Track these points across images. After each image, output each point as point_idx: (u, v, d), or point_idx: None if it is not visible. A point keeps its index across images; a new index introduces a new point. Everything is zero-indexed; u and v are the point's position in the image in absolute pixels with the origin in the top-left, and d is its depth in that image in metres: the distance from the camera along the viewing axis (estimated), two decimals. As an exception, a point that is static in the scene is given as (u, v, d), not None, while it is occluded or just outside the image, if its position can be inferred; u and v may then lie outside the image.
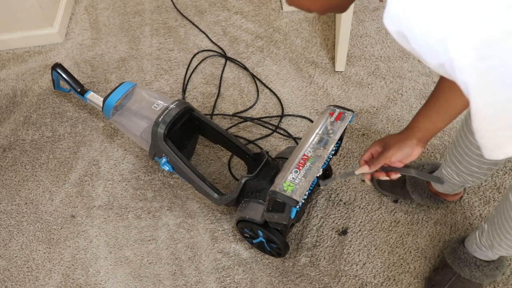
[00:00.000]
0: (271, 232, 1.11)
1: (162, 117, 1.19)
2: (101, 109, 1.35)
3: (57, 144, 1.56)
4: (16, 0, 1.68)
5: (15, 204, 1.44)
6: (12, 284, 1.29)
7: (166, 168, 1.21)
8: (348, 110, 1.09)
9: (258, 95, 1.58)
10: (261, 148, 1.44)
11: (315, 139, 1.05)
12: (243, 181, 1.13)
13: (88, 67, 1.75)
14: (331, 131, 1.06)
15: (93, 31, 1.87)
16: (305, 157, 1.03)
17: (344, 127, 1.06)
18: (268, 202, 1.00)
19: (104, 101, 1.31)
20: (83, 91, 1.45)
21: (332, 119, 1.08)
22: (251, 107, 1.55)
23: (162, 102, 1.26)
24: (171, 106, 1.21)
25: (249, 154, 1.28)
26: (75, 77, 1.49)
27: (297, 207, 0.96)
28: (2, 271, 1.32)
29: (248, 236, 1.22)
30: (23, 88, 1.72)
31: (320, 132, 1.06)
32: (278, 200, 0.96)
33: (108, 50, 1.79)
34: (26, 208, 1.43)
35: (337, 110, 1.09)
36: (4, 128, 1.62)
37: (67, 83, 1.47)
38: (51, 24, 1.79)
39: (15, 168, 1.52)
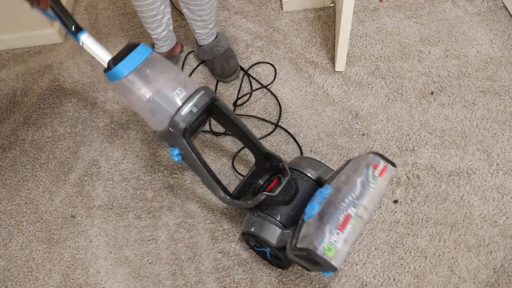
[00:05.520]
0: (281, 252, 1.09)
1: (186, 109, 1.02)
2: (100, 61, 1.11)
3: (57, 144, 1.56)
4: (16, 0, 1.68)
5: (15, 204, 1.44)
6: (12, 284, 1.30)
7: (176, 159, 1.11)
8: (391, 163, 1.02)
9: (251, 89, 1.58)
10: (281, 161, 1.24)
11: (356, 193, 0.97)
12: (262, 197, 1.08)
13: (88, 67, 1.75)
14: (371, 188, 0.98)
15: (93, 31, 1.86)
16: (347, 216, 0.95)
17: (386, 186, 1.00)
18: (301, 252, 0.95)
19: (112, 63, 1.05)
20: (76, 29, 1.12)
21: (376, 173, 1.00)
22: (246, 101, 1.55)
23: (185, 90, 1.06)
24: (197, 97, 1.04)
25: (261, 150, 1.21)
26: (70, 16, 1.15)
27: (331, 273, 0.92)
28: (2, 271, 1.32)
29: (252, 245, 1.20)
30: (23, 88, 1.72)
31: (360, 185, 0.98)
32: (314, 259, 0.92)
33: (108, 50, 1.79)
34: (26, 208, 1.43)
35: (382, 163, 1.01)
36: (4, 128, 1.62)
37: (57, 17, 1.13)
38: (51, 24, 1.79)
39: (15, 168, 1.52)
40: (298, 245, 0.96)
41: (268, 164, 1.21)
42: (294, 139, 1.46)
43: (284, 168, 1.15)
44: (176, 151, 1.09)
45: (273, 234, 1.09)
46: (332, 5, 1.82)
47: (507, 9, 1.72)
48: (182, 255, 1.29)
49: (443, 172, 1.35)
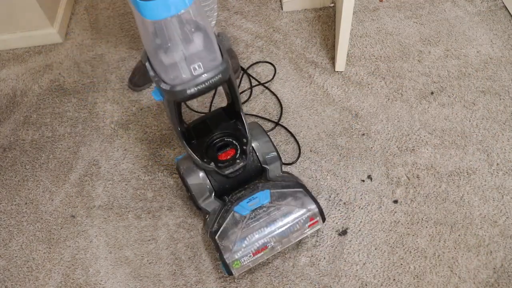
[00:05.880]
0: (198, 207, 1.24)
1: (193, 89, 0.95)
2: None
3: (57, 144, 1.56)
4: (16, 0, 1.68)
5: (15, 204, 1.44)
6: (12, 284, 1.30)
7: (156, 99, 1.04)
8: (324, 218, 1.16)
9: (251, 91, 1.58)
10: (247, 141, 1.22)
11: (282, 228, 1.12)
12: (211, 168, 1.17)
13: (88, 67, 1.75)
14: (296, 231, 1.13)
15: (93, 31, 1.87)
16: (265, 246, 1.11)
17: (306, 235, 1.16)
18: (216, 246, 1.13)
19: None
20: None
21: (308, 223, 1.14)
22: (246, 100, 1.56)
23: (203, 67, 0.97)
24: (212, 80, 0.98)
25: (236, 108, 1.18)
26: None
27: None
28: (2, 271, 1.32)
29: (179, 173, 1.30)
30: (23, 88, 1.73)
31: (290, 226, 1.12)
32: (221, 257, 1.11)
33: (108, 50, 1.79)
34: (26, 208, 1.43)
35: (317, 218, 1.14)
36: (4, 128, 1.62)
37: None
38: (51, 24, 1.79)
39: (15, 168, 1.52)
40: (216, 239, 1.12)
41: (234, 121, 1.24)
42: (294, 137, 1.46)
43: (245, 151, 1.20)
44: (162, 99, 1.03)
45: (205, 198, 1.21)
46: (332, 5, 1.82)
47: (507, 9, 1.72)
48: (182, 255, 1.29)
49: (443, 172, 1.35)
